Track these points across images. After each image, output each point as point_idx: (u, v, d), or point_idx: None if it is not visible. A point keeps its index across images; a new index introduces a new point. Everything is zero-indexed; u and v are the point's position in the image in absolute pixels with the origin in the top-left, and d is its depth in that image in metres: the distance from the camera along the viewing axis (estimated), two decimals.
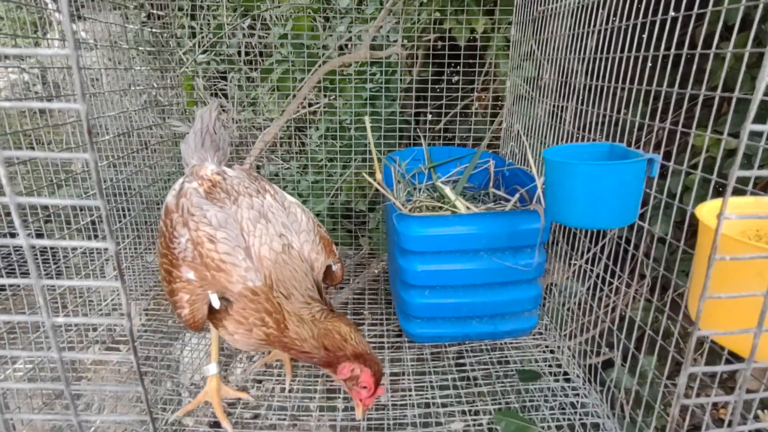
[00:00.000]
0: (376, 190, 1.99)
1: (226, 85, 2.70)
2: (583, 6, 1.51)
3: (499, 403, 1.48)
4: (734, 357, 1.17)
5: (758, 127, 0.41)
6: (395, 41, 2.29)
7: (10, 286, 2.00)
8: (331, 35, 2.41)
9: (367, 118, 2.13)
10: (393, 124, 2.33)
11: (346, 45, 2.44)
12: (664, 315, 1.16)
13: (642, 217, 1.23)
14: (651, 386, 1.30)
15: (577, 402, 1.46)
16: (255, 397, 1.49)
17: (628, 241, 1.38)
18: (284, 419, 1.42)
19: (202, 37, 2.58)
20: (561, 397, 1.49)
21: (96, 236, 1.89)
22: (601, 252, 1.58)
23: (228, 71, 2.67)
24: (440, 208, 1.86)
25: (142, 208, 2.10)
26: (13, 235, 2.25)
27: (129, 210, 2.01)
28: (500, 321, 1.67)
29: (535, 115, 1.91)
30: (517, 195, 1.81)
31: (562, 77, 1.67)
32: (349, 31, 2.36)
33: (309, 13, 2.37)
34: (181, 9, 2.56)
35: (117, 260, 0.41)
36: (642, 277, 1.62)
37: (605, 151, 1.29)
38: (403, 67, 2.44)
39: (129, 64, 2.05)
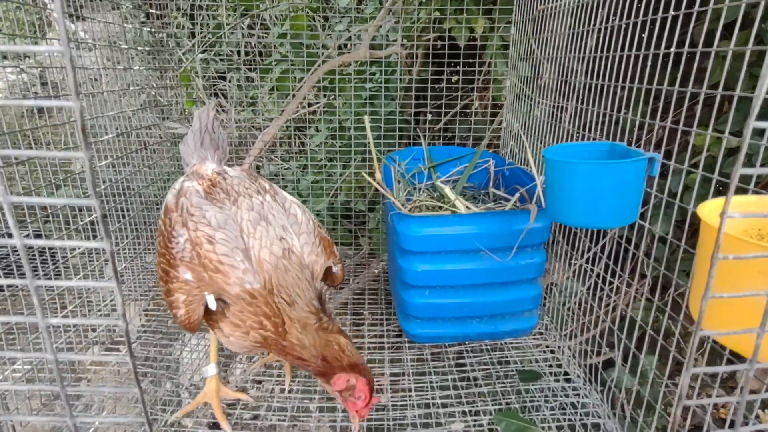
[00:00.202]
0: (376, 189, 1.98)
1: (225, 85, 2.70)
2: (582, 5, 1.51)
3: (500, 404, 1.47)
4: (735, 357, 1.17)
5: (761, 125, 0.41)
6: (395, 41, 2.29)
7: (9, 286, 2.00)
8: (330, 35, 2.40)
9: (366, 118, 2.12)
10: (393, 124, 2.32)
11: (346, 44, 2.43)
12: (665, 315, 1.16)
13: (642, 216, 1.23)
14: (652, 386, 1.29)
15: (578, 402, 1.46)
16: (254, 397, 1.49)
17: (628, 241, 1.38)
18: (284, 420, 1.42)
19: (202, 37, 2.57)
20: (561, 397, 1.49)
21: (95, 236, 1.88)
22: (602, 251, 1.58)
23: (227, 71, 2.66)
24: (440, 207, 1.86)
25: (142, 209, 2.10)
26: (11, 235, 2.24)
27: (128, 210, 2.01)
28: (500, 321, 1.67)
29: (535, 114, 1.91)
30: (517, 195, 1.81)
31: (562, 76, 1.67)
32: (349, 31, 2.36)
33: (308, 12, 2.36)
34: (179, 9, 2.56)
35: (113, 260, 0.40)
36: (642, 276, 1.61)
37: (606, 151, 1.28)
38: (403, 66, 2.43)
39: (128, 64, 2.05)
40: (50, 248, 2.03)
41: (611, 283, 1.46)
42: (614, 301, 1.67)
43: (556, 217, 1.26)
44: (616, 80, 1.33)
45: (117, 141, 1.92)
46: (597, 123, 1.46)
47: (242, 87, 2.61)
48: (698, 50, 1.02)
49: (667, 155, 1.16)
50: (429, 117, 2.46)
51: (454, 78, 2.55)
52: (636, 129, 1.29)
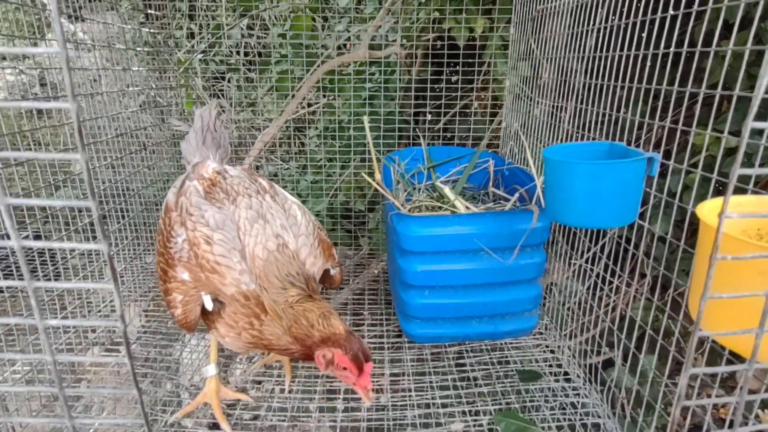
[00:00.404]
0: (376, 190, 1.98)
1: (225, 86, 2.70)
2: (581, 4, 1.51)
3: (500, 404, 1.47)
4: (735, 356, 1.16)
5: (760, 125, 0.41)
6: (394, 41, 2.29)
7: (8, 288, 2.00)
8: (329, 35, 2.40)
9: (366, 119, 2.12)
10: (392, 124, 2.32)
11: (345, 45, 2.43)
12: (665, 314, 1.16)
13: (642, 216, 1.23)
14: (651, 386, 1.29)
15: (578, 402, 1.46)
16: (254, 398, 1.49)
17: (628, 240, 1.38)
18: (284, 420, 1.42)
19: (201, 38, 2.57)
20: (561, 397, 1.49)
21: (95, 237, 1.88)
22: (601, 251, 1.58)
23: (227, 71, 2.66)
24: (440, 208, 1.86)
25: (141, 209, 2.09)
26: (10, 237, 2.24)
27: (128, 211, 2.00)
28: (500, 321, 1.67)
29: (534, 114, 1.91)
30: (517, 194, 1.80)
31: (562, 76, 1.67)
32: (348, 31, 2.36)
33: (308, 12, 2.36)
34: (179, 10, 2.56)
35: (110, 262, 0.40)
36: (642, 276, 1.61)
37: (605, 150, 1.28)
38: (402, 66, 2.43)
39: (127, 65, 2.05)
40: (50, 249, 2.03)
41: (611, 282, 1.46)
42: (614, 300, 1.67)
43: (555, 217, 1.26)
44: (616, 80, 1.33)
45: (116, 142, 1.92)
46: (596, 122, 1.46)
47: (242, 87, 2.60)
48: (697, 50, 1.02)
49: (667, 154, 1.16)
50: (428, 117, 2.46)
51: (454, 78, 2.55)
52: (635, 128, 1.29)
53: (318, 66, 2.26)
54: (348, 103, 2.32)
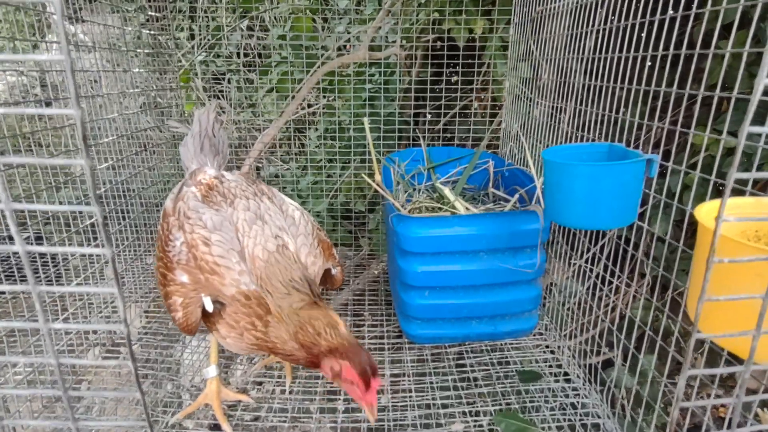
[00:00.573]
0: (376, 190, 1.99)
1: (225, 87, 2.70)
2: (581, 6, 1.51)
3: (500, 404, 1.47)
4: (734, 357, 1.17)
5: (757, 129, 0.41)
6: (394, 42, 2.29)
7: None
8: (329, 36, 2.41)
9: (366, 120, 2.13)
10: (392, 125, 2.32)
11: (345, 46, 2.44)
12: (664, 314, 1.16)
13: (641, 216, 1.23)
14: (651, 386, 1.30)
15: (578, 402, 1.46)
16: (255, 399, 1.49)
17: (627, 241, 1.38)
18: (285, 421, 1.42)
19: (201, 39, 2.58)
20: (561, 397, 1.49)
21: (95, 238, 1.88)
22: (601, 252, 1.58)
23: (227, 73, 2.67)
24: (440, 209, 1.86)
25: (142, 210, 2.10)
26: (12, 238, 2.24)
27: (128, 212, 2.01)
28: (500, 321, 1.67)
29: (534, 115, 1.91)
30: (517, 195, 1.81)
31: (561, 77, 1.67)
32: (348, 32, 2.36)
33: (308, 14, 2.36)
34: (180, 11, 2.56)
35: (114, 266, 0.41)
36: (642, 276, 1.62)
37: (604, 152, 1.29)
38: (402, 67, 2.44)
39: (128, 66, 2.05)
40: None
41: (610, 282, 1.47)
42: (613, 301, 1.68)
43: (555, 218, 1.27)
44: (615, 81, 1.33)
45: (117, 143, 1.93)
46: (596, 123, 1.46)
47: (242, 89, 2.61)
48: (696, 52, 1.02)
49: (667, 155, 1.17)
50: (428, 118, 2.46)
51: (453, 79, 2.56)
52: (635, 129, 1.29)
53: (318, 67, 2.26)
54: (348, 104, 2.33)
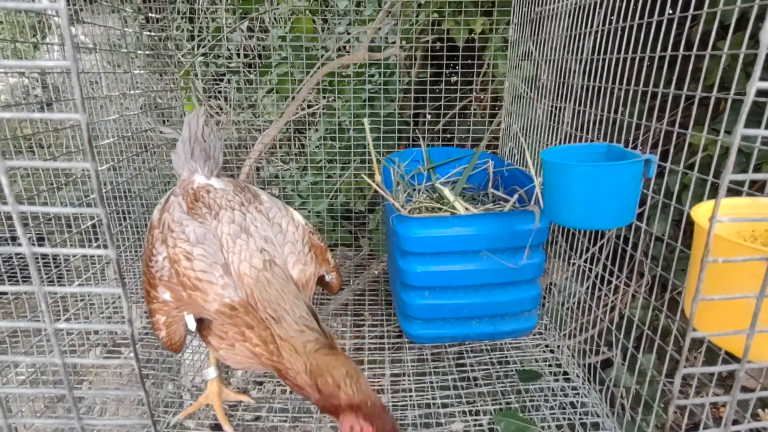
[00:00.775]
0: (376, 191, 2.00)
1: (225, 87, 2.71)
2: (580, 7, 1.52)
3: (500, 404, 1.48)
4: (731, 356, 1.18)
5: (750, 132, 0.42)
6: (393, 43, 2.30)
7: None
8: (329, 36, 2.41)
9: (365, 120, 2.13)
10: (392, 125, 2.33)
11: (345, 47, 2.44)
12: (663, 314, 1.17)
13: (640, 216, 1.24)
14: (650, 385, 1.30)
15: (577, 401, 1.47)
16: (256, 399, 1.50)
17: (626, 241, 1.39)
18: (285, 421, 1.43)
19: (201, 40, 2.58)
20: (561, 396, 1.50)
21: (96, 239, 1.89)
22: (600, 252, 1.59)
23: (227, 73, 2.67)
24: (439, 209, 1.87)
25: (143, 211, 2.11)
26: (14, 239, 2.26)
27: (129, 213, 2.02)
28: (500, 321, 1.68)
29: (534, 115, 1.92)
30: (516, 195, 1.82)
31: (560, 78, 1.68)
32: (348, 33, 2.37)
33: (307, 15, 2.37)
34: (179, 12, 2.57)
35: (118, 267, 0.42)
36: (641, 275, 1.62)
37: (603, 152, 1.29)
38: (402, 68, 2.44)
39: (128, 67, 2.06)
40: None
41: (609, 282, 1.47)
42: (612, 300, 1.68)
43: (554, 219, 1.27)
44: (614, 82, 1.34)
45: (117, 144, 1.93)
46: (594, 123, 1.47)
47: (242, 89, 2.62)
48: (693, 53, 1.03)
49: (666, 154, 1.17)
50: (428, 118, 2.47)
51: (453, 79, 2.56)
52: (633, 129, 1.30)
53: (318, 68, 2.27)
54: (348, 104, 2.34)
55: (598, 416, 1.41)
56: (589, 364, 1.55)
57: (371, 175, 2.04)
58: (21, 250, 0.39)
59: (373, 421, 0.98)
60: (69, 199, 2.04)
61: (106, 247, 1.85)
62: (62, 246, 1.62)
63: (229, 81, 2.68)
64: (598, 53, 1.42)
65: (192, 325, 1.15)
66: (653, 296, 1.24)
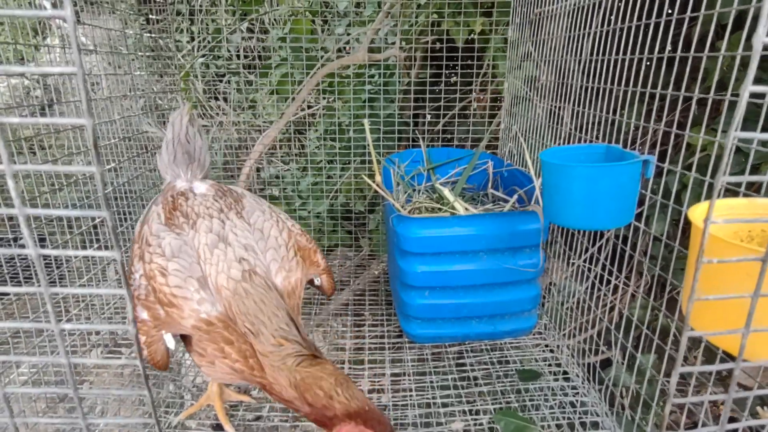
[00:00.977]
0: (376, 191, 2.00)
1: (225, 88, 2.71)
2: (579, 8, 1.52)
3: (500, 403, 1.49)
4: (728, 355, 1.18)
5: (744, 134, 0.43)
6: (393, 43, 2.31)
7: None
8: (329, 37, 2.42)
9: (365, 121, 2.14)
10: (392, 126, 2.34)
11: (345, 47, 2.45)
12: (662, 313, 1.17)
13: (639, 216, 1.24)
14: (649, 384, 1.31)
15: (577, 401, 1.48)
16: (257, 399, 1.51)
17: (625, 241, 1.40)
18: (286, 421, 1.44)
19: (201, 41, 2.59)
20: (560, 396, 1.50)
21: (98, 239, 1.90)
22: (599, 252, 1.60)
23: (226, 74, 2.68)
24: (439, 209, 1.88)
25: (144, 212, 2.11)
26: (16, 240, 2.26)
27: (130, 213, 2.02)
28: (500, 321, 1.68)
29: (533, 116, 1.92)
30: (516, 196, 1.82)
31: (559, 79, 1.69)
32: (348, 34, 2.37)
33: (307, 15, 2.38)
34: (179, 13, 2.58)
35: (122, 268, 0.42)
36: (640, 275, 1.63)
37: (602, 153, 1.30)
38: (402, 68, 2.45)
39: (128, 69, 2.07)
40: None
41: (609, 282, 1.48)
42: (612, 300, 1.69)
43: (553, 219, 1.28)
44: (612, 83, 1.35)
45: (117, 145, 1.94)
46: (593, 124, 1.47)
47: (242, 90, 2.62)
48: (691, 54, 1.03)
49: (665, 154, 1.18)
50: (428, 119, 2.48)
51: (453, 80, 2.57)
52: (632, 130, 1.31)
53: (318, 69, 2.28)
54: (348, 105, 2.34)
55: (598, 415, 1.42)
56: (589, 364, 1.55)
57: (371, 176, 2.04)
58: (28, 252, 0.39)
59: (373, 425, 0.96)
60: (70, 200, 2.05)
61: (108, 248, 1.86)
62: (65, 247, 1.63)
63: (229, 82, 2.68)
64: (598, 54, 1.43)
65: (171, 344, 1.11)
66: (652, 296, 1.24)
